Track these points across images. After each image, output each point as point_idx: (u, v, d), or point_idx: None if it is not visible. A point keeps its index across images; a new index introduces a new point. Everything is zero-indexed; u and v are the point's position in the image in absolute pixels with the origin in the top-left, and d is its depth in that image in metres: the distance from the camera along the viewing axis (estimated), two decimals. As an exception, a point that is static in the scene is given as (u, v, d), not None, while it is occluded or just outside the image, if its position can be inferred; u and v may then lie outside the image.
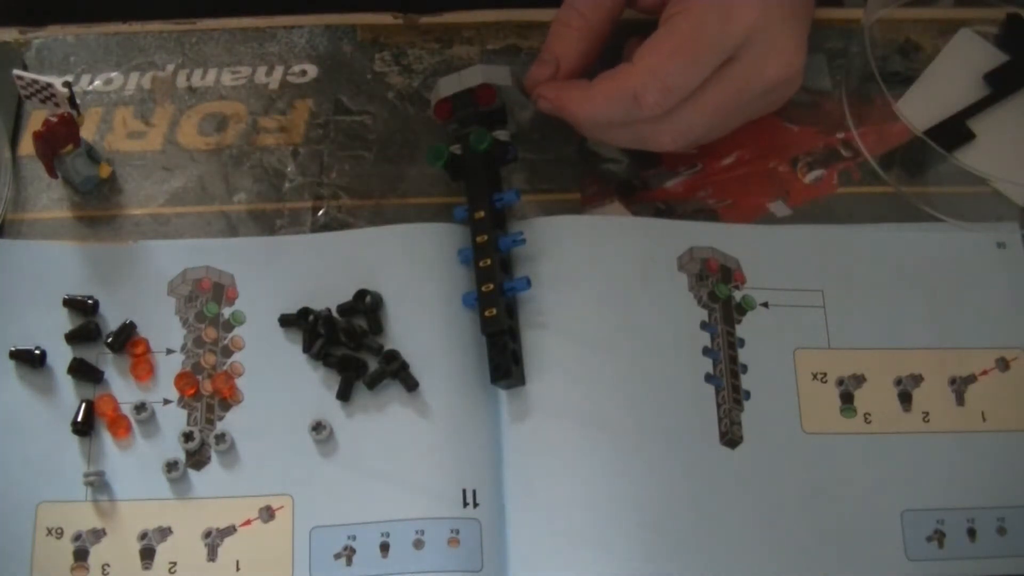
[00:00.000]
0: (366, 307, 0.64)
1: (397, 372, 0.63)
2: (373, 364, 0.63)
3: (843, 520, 0.62)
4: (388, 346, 0.64)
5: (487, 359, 0.63)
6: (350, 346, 0.63)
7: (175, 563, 0.60)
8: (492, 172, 0.66)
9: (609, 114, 0.64)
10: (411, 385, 0.63)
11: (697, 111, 0.63)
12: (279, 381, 0.63)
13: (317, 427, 0.62)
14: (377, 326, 0.64)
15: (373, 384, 0.63)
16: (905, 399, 0.65)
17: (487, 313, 0.62)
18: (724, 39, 0.62)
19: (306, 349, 0.63)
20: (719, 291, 0.66)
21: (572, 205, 0.68)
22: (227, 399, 0.63)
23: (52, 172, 0.66)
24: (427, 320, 0.64)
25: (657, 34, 0.63)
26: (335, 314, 0.64)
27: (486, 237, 0.63)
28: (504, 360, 0.62)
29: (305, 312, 0.64)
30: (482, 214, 0.64)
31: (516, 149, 0.66)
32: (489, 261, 0.63)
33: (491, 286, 0.62)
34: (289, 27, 0.73)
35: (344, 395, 0.62)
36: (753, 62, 0.63)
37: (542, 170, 0.69)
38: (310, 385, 0.63)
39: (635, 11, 0.68)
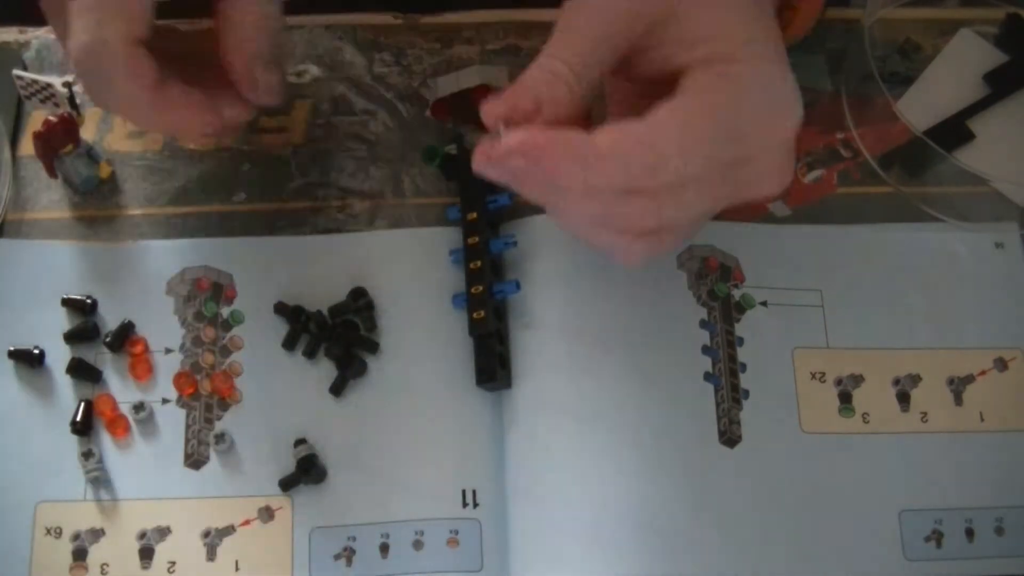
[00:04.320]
0: (360, 307, 0.64)
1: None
2: (369, 361, 0.64)
3: (841, 520, 0.62)
4: (385, 347, 0.64)
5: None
6: (341, 344, 0.63)
7: (174, 563, 0.60)
8: (487, 173, 0.66)
9: (619, 174, 0.51)
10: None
11: (695, 199, 0.53)
12: (278, 381, 0.63)
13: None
14: (371, 323, 0.64)
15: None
16: (903, 399, 0.65)
17: (475, 315, 0.62)
18: (758, 140, 0.53)
19: (286, 345, 0.64)
20: (718, 289, 0.66)
21: (571, 205, 0.68)
22: (226, 398, 0.63)
23: (52, 172, 0.67)
24: (425, 321, 0.64)
25: (687, 104, 0.52)
26: (327, 315, 0.64)
27: (477, 239, 0.64)
28: (490, 363, 0.62)
29: (297, 311, 0.64)
30: (475, 216, 0.64)
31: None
32: (479, 263, 0.63)
33: (480, 288, 0.63)
34: (289, 27, 0.73)
35: (337, 390, 0.63)
36: (762, 170, 0.54)
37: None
38: (309, 385, 0.63)
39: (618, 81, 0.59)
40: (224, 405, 0.63)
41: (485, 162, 0.53)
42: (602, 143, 0.51)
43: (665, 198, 0.53)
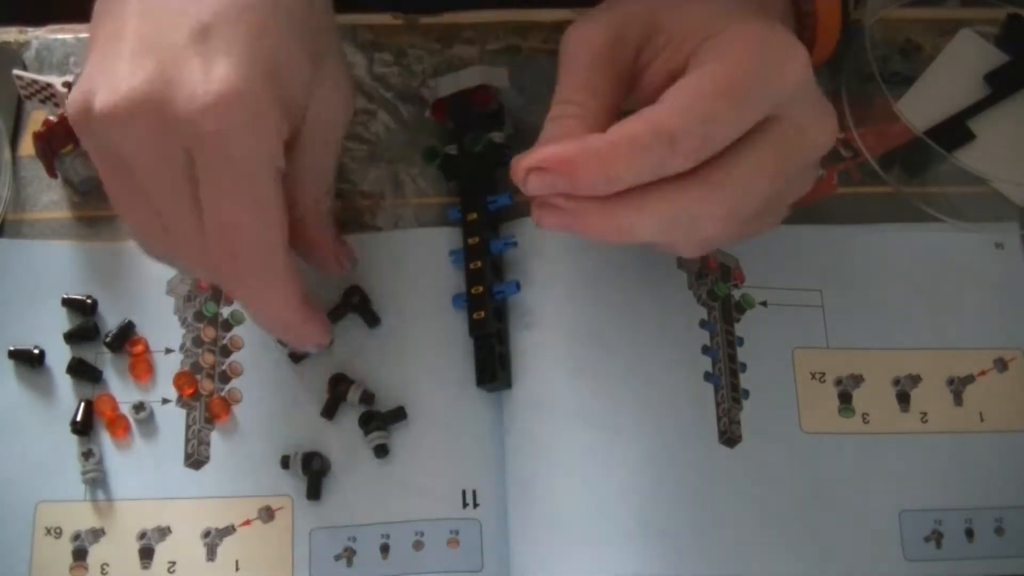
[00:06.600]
0: (354, 305, 0.64)
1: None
2: (369, 360, 0.63)
3: (841, 520, 0.62)
4: (384, 346, 0.64)
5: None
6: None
7: (174, 563, 0.60)
8: (487, 174, 0.66)
9: (636, 164, 0.51)
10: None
11: (749, 171, 0.52)
12: (278, 381, 0.63)
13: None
14: (374, 319, 0.64)
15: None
16: (903, 399, 0.65)
17: (475, 316, 0.62)
18: (771, 89, 0.52)
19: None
20: (718, 289, 0.66)
21: (572, 205, 0.68)
22: (219, 421, 0.63)
23: (52, 172, 0.66)
24: (425, 321, 0.64)
25: (690, 77, 0.52)
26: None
27: (478, 239, 0.64)
28: (490, 364, 0.62)
29: None
30: (475, 216, 0.64)
31: (511, 152, 0.66)
32: (479, 264, 0.63)
33: (480, 289, 0.63)
34: (289, 27, 0.73)
35: (329, 413, 0.63)
36: (799, 122, 0.53)
37: (541, 170, 0.69)
38: (309, 384, 0.63)
39: (630, 103, 0.57)
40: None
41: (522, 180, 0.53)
42: (615, 133, 0.51)
43: (714, 186, 0.52)
